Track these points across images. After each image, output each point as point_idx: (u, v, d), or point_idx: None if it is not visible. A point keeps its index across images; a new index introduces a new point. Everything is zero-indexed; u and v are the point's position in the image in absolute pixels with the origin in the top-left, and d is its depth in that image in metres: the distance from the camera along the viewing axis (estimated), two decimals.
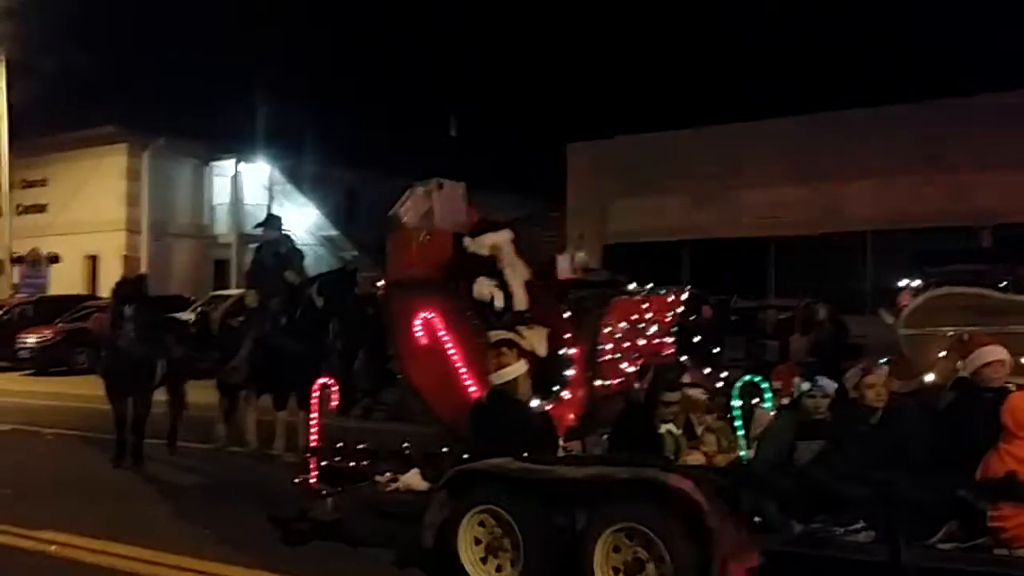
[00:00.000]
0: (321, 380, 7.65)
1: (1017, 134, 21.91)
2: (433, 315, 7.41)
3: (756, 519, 5.51)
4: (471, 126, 38.43)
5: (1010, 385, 6.04)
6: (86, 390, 17.03)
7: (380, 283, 7.81)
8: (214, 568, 6.81)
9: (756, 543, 5.40)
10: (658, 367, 7.39)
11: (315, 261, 32.56)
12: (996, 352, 6.09)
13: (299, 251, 12.01)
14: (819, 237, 24.82)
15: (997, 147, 22.15)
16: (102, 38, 35.16)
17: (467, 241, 7.96)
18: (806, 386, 6.06)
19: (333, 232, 37.21)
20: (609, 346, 7.48)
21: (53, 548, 7.37)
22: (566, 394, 7.32)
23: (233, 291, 24.79)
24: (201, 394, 12.75)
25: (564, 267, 8.39)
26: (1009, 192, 22.11)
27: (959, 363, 6.46)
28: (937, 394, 6.53)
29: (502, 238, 7.98)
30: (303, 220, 35.62)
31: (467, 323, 7.39)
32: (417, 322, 7.42)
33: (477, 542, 6.08)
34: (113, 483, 10.08)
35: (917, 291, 7.99)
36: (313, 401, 7.54)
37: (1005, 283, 14.34)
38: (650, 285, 8.14)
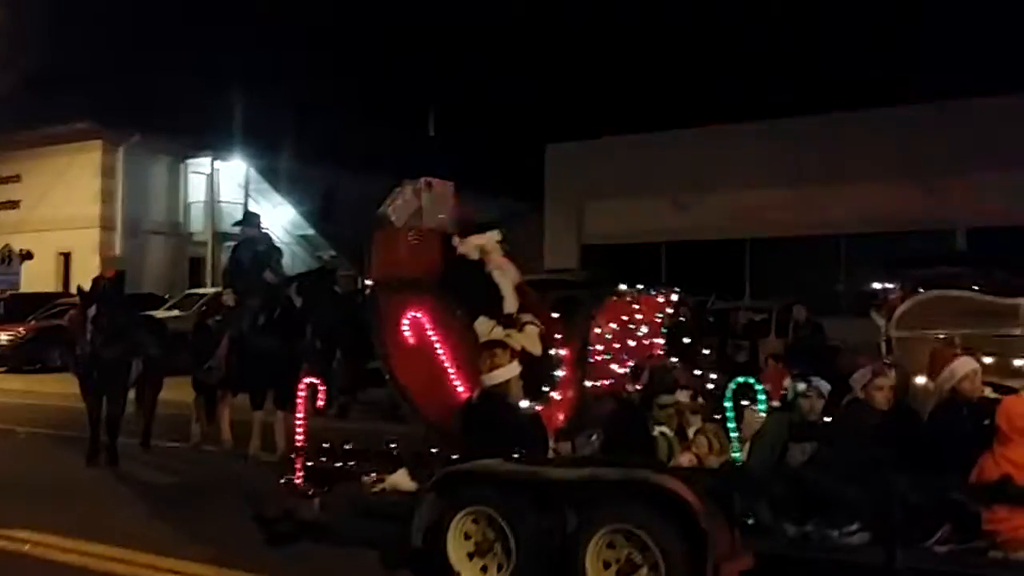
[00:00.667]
0: (308, 380, 7.53)
1: (991, 138, 22.09)
2: (421, 314, 7.29)
3: (749, 521, 5.47)
4: (450, 125, 38.38)
5: (988, 392, 6.05)
6: (59, 388, 16.87)
7: (367, 282, 7.66)
8: (188, 567, 6.72)
9: (749, 545, 5.36)
10: (655, 368, 7.31)
11: (292, 260, 32.52)
12: (968, 364, 6.13)
13: (277, 249, 11.93)
14: (795, 239, 24.95)
15: (972, 151, 22.31)
16: (77, 33, 34.90)
17: (455, 242, 7.87)
18: (802, 386, 6.00)
19: (309, 231, 37.08)
20: (600, 347, 7.37)
21: (27, 547, 7.26)
22: (556, 395, 7.23)
23: (209, 289, 24.70)
24: (177, 392, 12.63)
25: None
26: (983, 195, 22.29)
27: (931, 383, 6.47)
28: (925, 400, 6.51)
29: (489, 239, 7.88)
30: (279, 218, 35.48)
31: (455, 322, 7.28)
32: (404, 321, 7.29)
33: (467, 543, 6.01)
34: (87, 482, 9.95)
35: (908, 294, 7.98)
36: (299, 401, 7.43)
37: (979, 286, 14.54)
38: (640, 286, 8.04)
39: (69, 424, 12.76)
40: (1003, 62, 29.47)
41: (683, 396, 7.02)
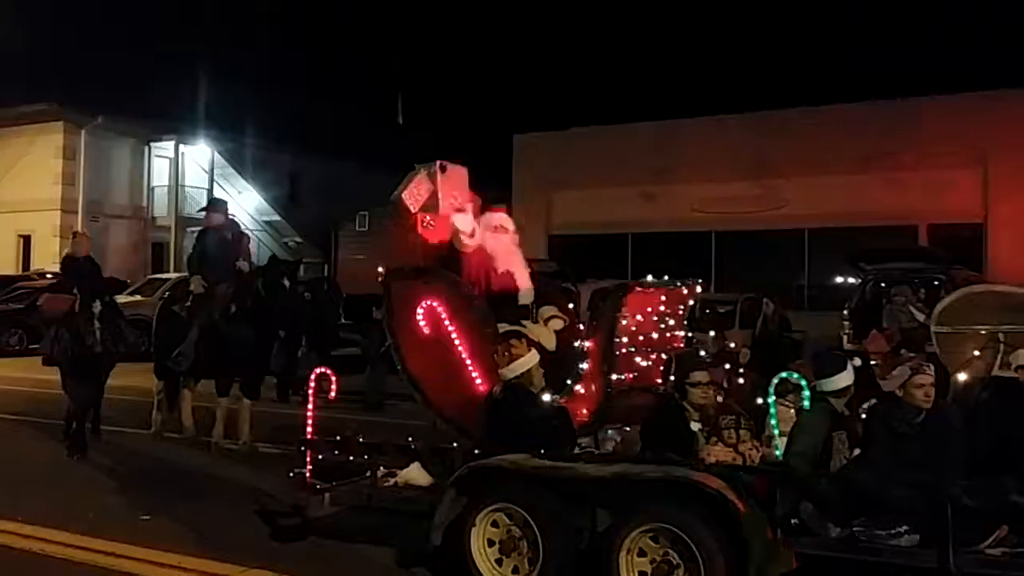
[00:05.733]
0: (319, 370, 7.25)
1: (954, 135, 22.41)
2: (436, 303, 6.91)
3: (793, 521, 5.25)
4: (418, 113, 38.33)
5: None
6: (18, 372, 16.69)
7: (379, 270, 7.33)
8: (147, 554, 6.63)
9: (793, 546, 5.18)
10: (679, 355, 7.10)
11: (258, 247, 32.30)
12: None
13: (245, 236, 11.82)
14: (759, 233, 25.16)
15: (934, 148, 22.62)
16: (40, 12, 34.44)
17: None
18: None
19: (276, 217, 36.83)
20: (624, 339, 7.04)
21: None
22: (579, 388, 6.92)
23: (172, 275, 24.49)
24: (134, 379, 12.53)
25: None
26: (944, 192, 22.63)
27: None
28: (971, 392, 6.46)
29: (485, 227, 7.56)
30: (245, 204, 35.22)
31: (472, 312, 6.96)
32: (419, 311, 6.91)
33: (491, 542, 5.80)
34: (46, 468, 9.81)
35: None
36: (310, 392, 7.16)
37: (939, 281, 14.74)
38: (665, 277, 7.83)
39: (27, 409, 12.64)
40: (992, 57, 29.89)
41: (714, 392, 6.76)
